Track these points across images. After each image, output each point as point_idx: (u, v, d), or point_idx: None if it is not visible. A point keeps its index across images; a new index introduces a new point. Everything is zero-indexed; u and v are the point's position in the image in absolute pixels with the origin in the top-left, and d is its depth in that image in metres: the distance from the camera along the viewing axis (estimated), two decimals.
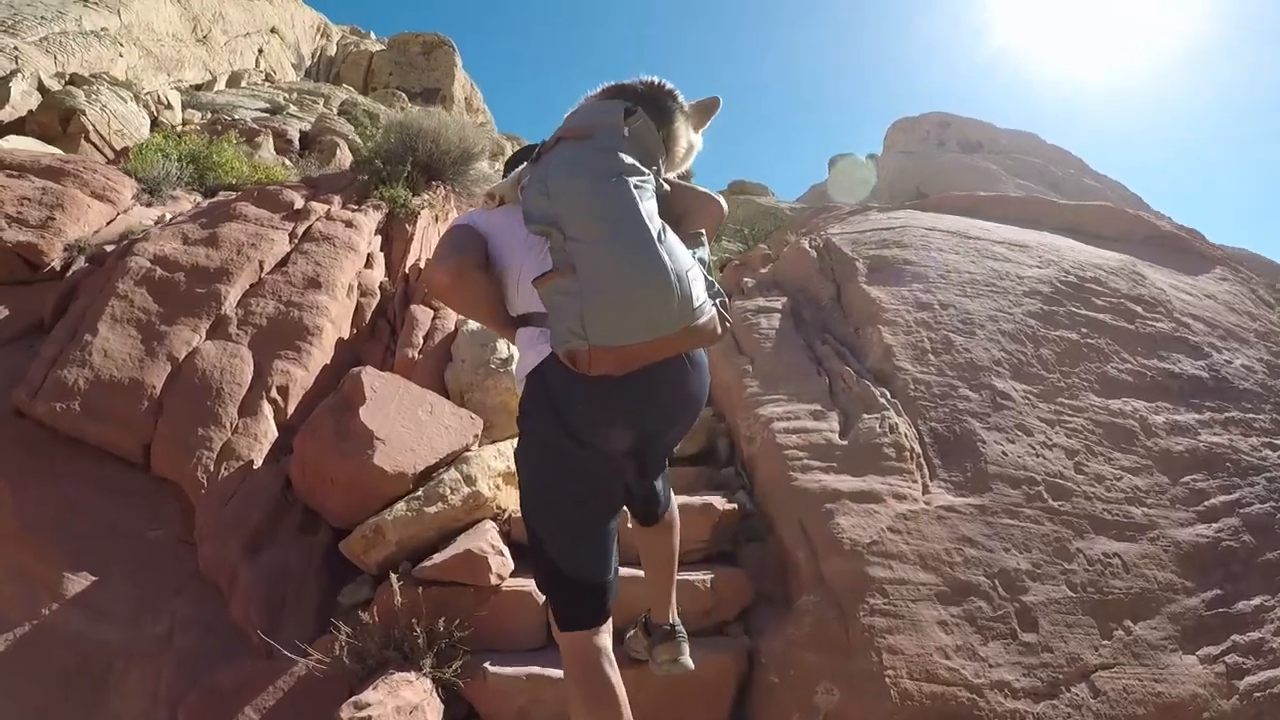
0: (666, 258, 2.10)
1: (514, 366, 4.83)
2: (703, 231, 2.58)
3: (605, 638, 2.51)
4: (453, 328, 6.03)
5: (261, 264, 6.13)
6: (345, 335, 6.06)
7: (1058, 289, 6.90)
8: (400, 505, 4.30)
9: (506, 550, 4.25)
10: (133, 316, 5.50)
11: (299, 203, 7.14)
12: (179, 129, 16.91)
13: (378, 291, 6.56)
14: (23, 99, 15.45)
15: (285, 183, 8.06)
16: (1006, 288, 6.74)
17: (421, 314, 6.16)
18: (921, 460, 4.96)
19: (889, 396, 5.36)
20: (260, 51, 33.16)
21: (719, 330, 2.30)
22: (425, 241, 7.69)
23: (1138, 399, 6.04)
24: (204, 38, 28.54)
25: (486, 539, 4.17)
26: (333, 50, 41.17)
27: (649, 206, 2.22)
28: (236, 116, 18.55)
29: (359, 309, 6.37)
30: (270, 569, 4.51)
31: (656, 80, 2.65)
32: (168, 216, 7.07)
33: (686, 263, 2.19)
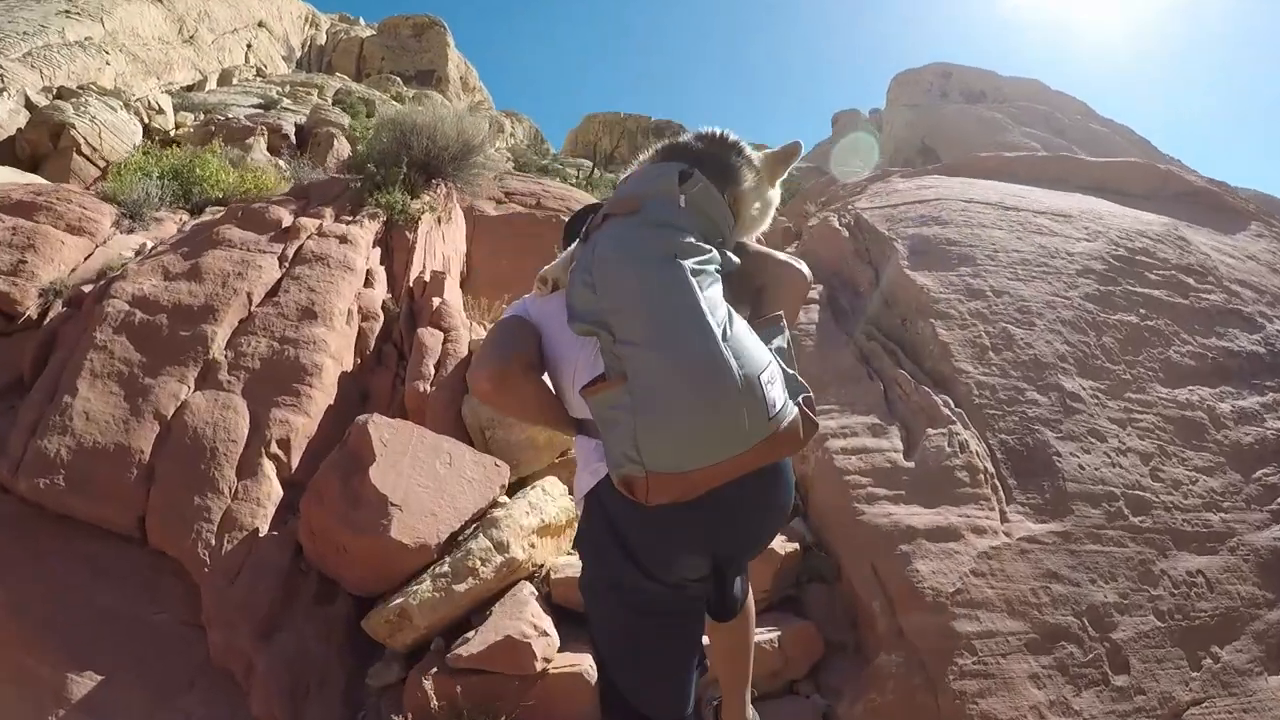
0: (734, 362, 1.69)
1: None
2: (781, 314, 2.04)
3: None
4: (466, 352, 5.37)
5: (250, 296, 5.45)
6: (349, 367, 5.40)
7: (1110, 265, 6.27)
8: (425, 583, 3.70)
9: (550, 625, 3.65)
10: (114, 370, 4.86)
11: (287, 219, 6.41)
12: (172, 133, 16.31)
13: (380, 313, 5.87)
14: (10, 117, 14.80)
15: (272, 197, 7.28)
16: (1059, 267, 6.11)
17: (430, 339, 5.49)
18: (996, 482, 4.35)
19: (952, 405, 4.76)
20: (249, 47, 32.13)
21: (802, 435, 1.81)
22: (429, 248, 7.01)
23: (1203, 386, 5.48)
24: (190, 38, 27.57)
25: (527, 616, 3.59)
26: (322, 39, 39.97)
27: (712, 294, 1.81)
28: (230, 115, 17.95)
29: (361, 335, 5.68)
30: (289, 654, 3.92)
31: (718, 133, 2.18)
32: (149, 245, 6.39)
33: (761, 361, 1.75)
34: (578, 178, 20.27)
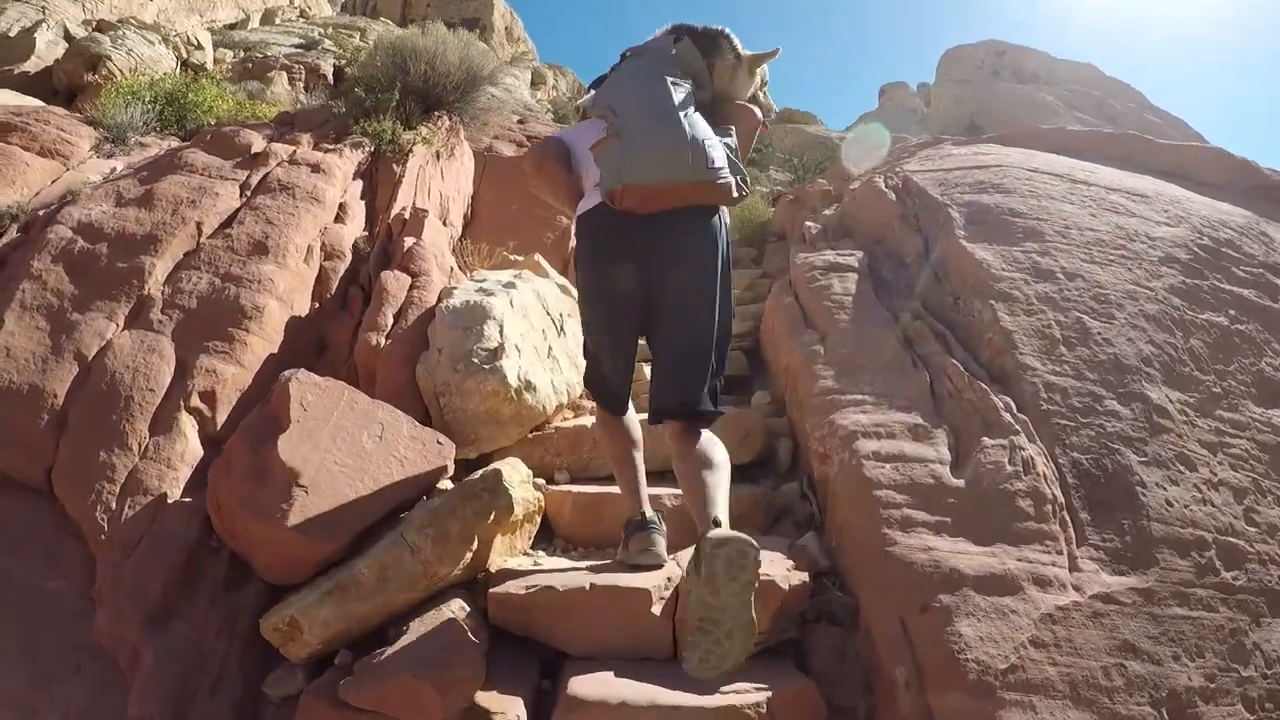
0: (686, 126, 2.55)
1: (504, 360, 3.78)
2: (732, 128, 2.79)
3: (620, 418, 3.02)
4: (434, 300, 4.24)
5: (200, 226, 4.36)
6: (303, 311, 4.37)
7: (1196, 255, 5.05)
8: (317, 592, 2.71)
9: (477, 656, 2.56)
10: (44, 302, 3.83)
11: (258, 145, 5.35)
12: (209, 69, 15.59)
13: (348, 253, 4.81)
14: (48, 48, 14.14)
15: (247, 121, 6.23)
16: (1139, 252, 4.93)
17: (394, 283, 4.34)
18: (1066, 516, 3.18)
19: (1014, 409, 3.66)
20: None
21: (733, 192, 2.61)
22: (420, 185, 5.90)
23: None
24: None
25: (443, 646, 2.55)
26: None
27: (680, 96, 2.64)
28: (269, 54, 17.05)
29: (322, 276, 4.64)
30: (181, 647, 2.92)
31: (715, 26, 2.94)
32: (119, 169, 5.53)
33: (708, 134, 2.59)
34: None
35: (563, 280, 5.77)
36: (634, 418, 3.06)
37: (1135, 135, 8.09)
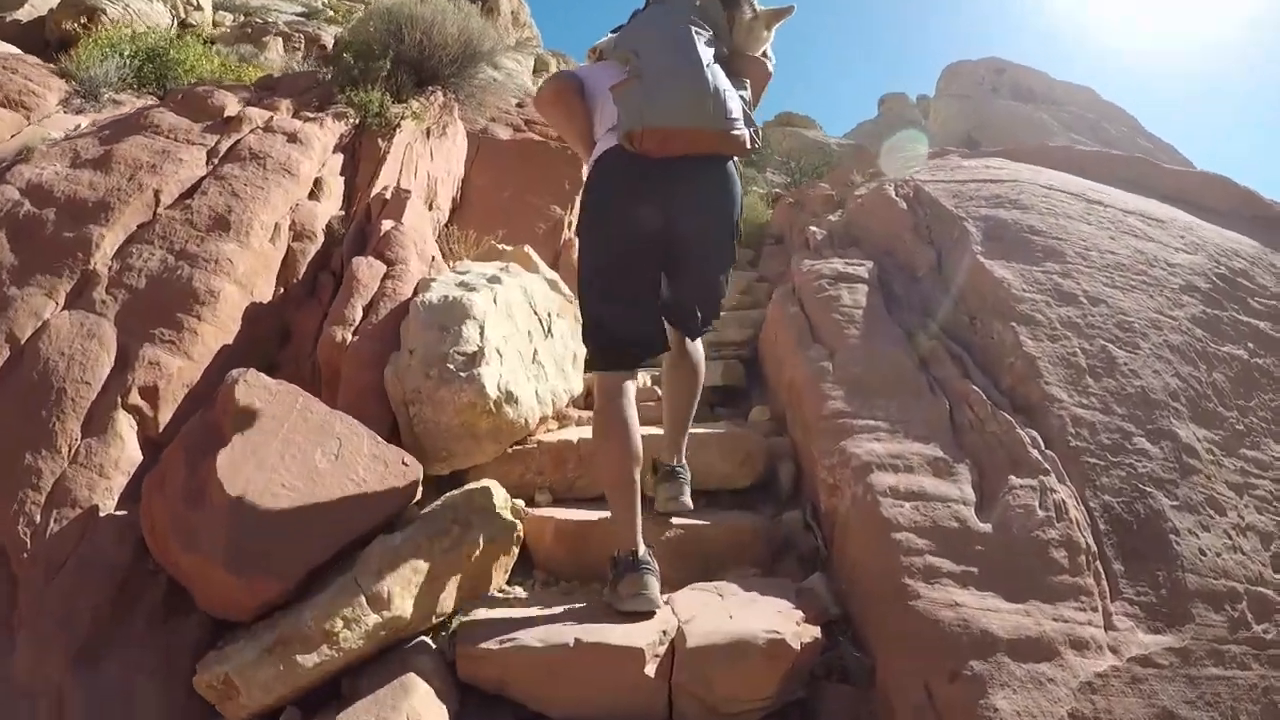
0: (709, 74, 2.52)
1: (483, 368, 3.31)
2: (747, 80, 2.83)
3: (628, 386, 2.70)
4: (410, 293, 3.82)
5: (158, 194, 3.91)
6: (266, 297, 3.92)
7: (1215, 285, 4.73)
8: (262, 638, 2.25)
9: None
10: None
11: (232, 108, 4.86)
12: (208, 31, 15.02)
13: (320, 233, 4.32)
14: None
15: (224, 82, 5.67)
16: (1159, 279, 4.60)
17: (366, 271, 3.86)
18: (1099, 566, 2.84)
19: (1041, 445, 3.29)
20: None
21: (747, 144, 2.64)
22: (407, 164, 5.41)
23: None
24: None
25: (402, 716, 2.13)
26: None
27: (704, 44, 2.61)
28: (270, 20, 16.47)
29: (290, 258, 4.16)
30: (110, 692, 2.50)
31: None
32: (83, 126, 5.05)
33: (727, 87, 2.58)
34: None
35: (552, 275, 5.36)
36: (637, 429, 2.68)
37: (1142, 158, 7.80)
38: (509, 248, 5.48)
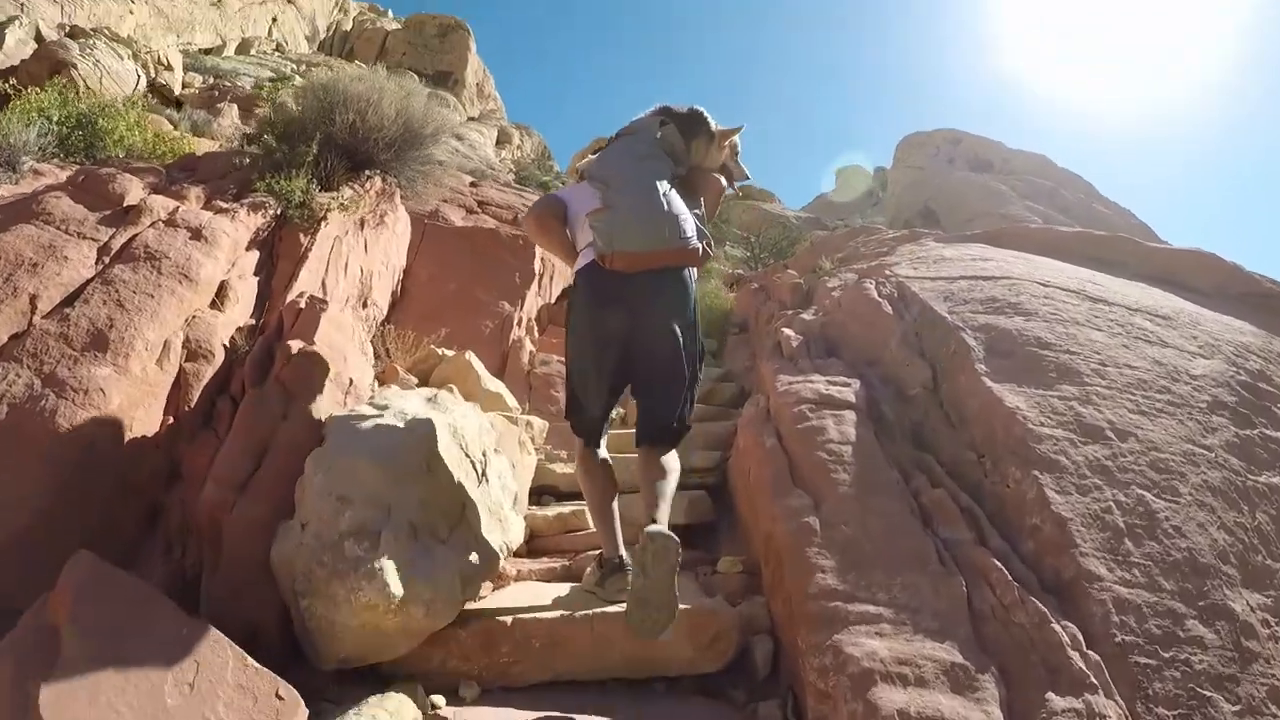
0: (665, 204, 2.95)
1: (386, 562, 2.52)
2: (701, 199, 3.28)
3: (597, 450, 3.18)
4: (315, 435, 2.99)
5: (34, 301, 3.18)
6: (152, 428, 3.18)
7: (1240, 398, 4.15)
8: None
9: None
10: None
11: (134, 195, 4.13)
12: (177, 92, 14.44)
13: (219, 351, 3.56)
14: (17, 46, 13.03)
15: (130, 164, 4.90)
16: (1185, 397, 4.00)
17: (260, 408, 3.07)
18: None
19: (1083, 645, 2.62)
20: (274, 20, 29.56)
21: (700, 255, 3.04)
22: (336, 259, 4.71)
23: None
24: (218, 1, 25.57)
25: None
26: (349, 25, 36.91)
27: (661, 176, 3.05)
28: (238, 83, 16.01)
29: (184, 381, 3.39)
30: None
31: (695, 108, 3.33)
32: None
33: (682, 211, 3.00)
34: None
35: (496, 386, 4.66)
36: (609, 462, 3.20)
37: (1126, 238, 7.37)
38: (449, 352, 4.79)
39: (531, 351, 5.71)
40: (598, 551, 3.32)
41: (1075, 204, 23.78)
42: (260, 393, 3.11)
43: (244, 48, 25.76)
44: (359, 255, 4.94)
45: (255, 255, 4.22)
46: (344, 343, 3.69)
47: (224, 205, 4.27)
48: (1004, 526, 3.17)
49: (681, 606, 2.67)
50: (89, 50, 12.79)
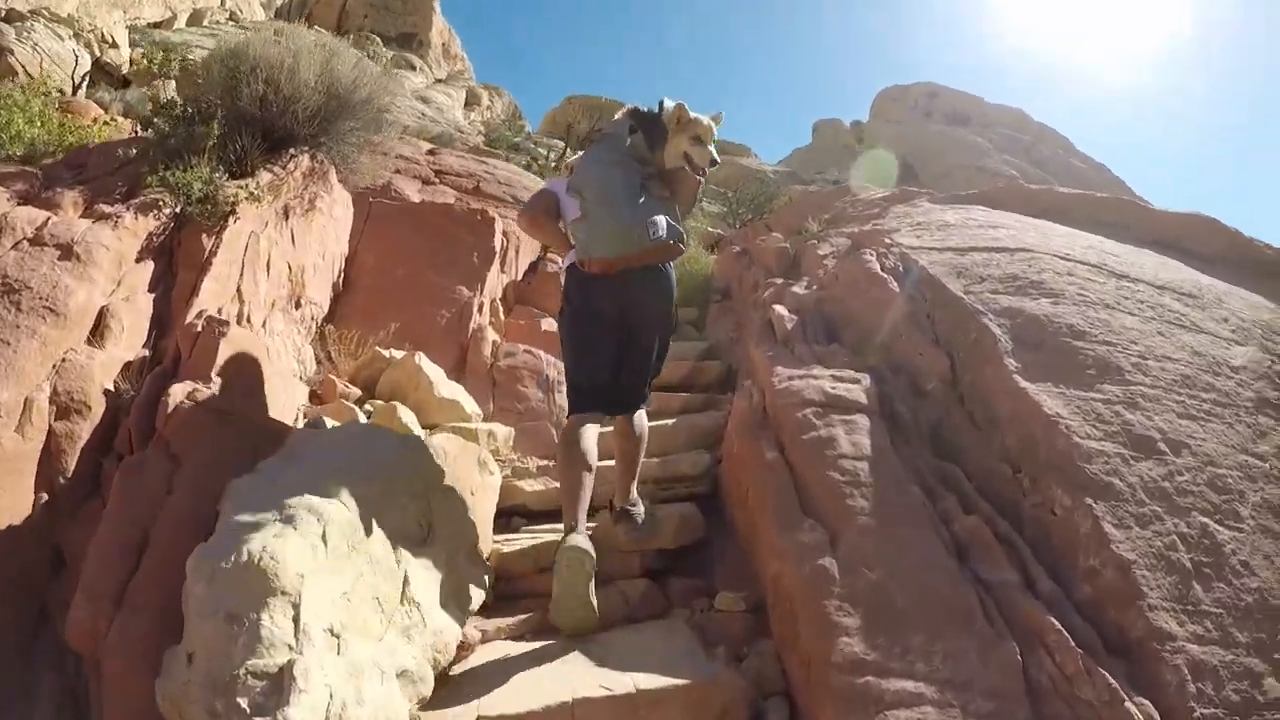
0: (633, 211, 3.16)
1: (294, 702, 1.89)
2: (672, 196, 3.39)
3: (589, 424, 3.20)
4: (212, 522, 2.32)
5: None
6: (20, 514, 2.55)
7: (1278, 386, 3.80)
8: None
9: None
10: None
11: None
12: (125, 70, 13.52)
13: (99, 401, 2.87)
14: None
15: (4, 168, 3.91)
16: (1230, 394, 3.51)
17: (133, 486, 2.43)
18: None
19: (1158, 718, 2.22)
20: None
21: (670, 250, 3.25)
22: (252, 260, 3.93)
23: None
24: None
25: None
26: None
27: (633, 183, 3.24)
28: (189, 57, 15.11)
29: (54, 446, 2.71)
30: None
31: (660, 108, 3.39)
32: None
33: (654, 212, 3.19)
34: (548, 158, 17.09)
35: (454, 392, 4.09)
36: (594, 444, 3.20)
37: (1129, 201, 6.89)
38: (398, 353, 4.20)
39: (495, 341, 5.07)
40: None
41: (1051, 158, 23.35)
42: (138, 460, 2.49)
43: (196, 19, 24.44)
44: (284, 250, 4.23)
45: (149, 268, 3.53)
46: (251, 372, 3.08)
47: (107, 210, 3.53)
48: (1052, 563, 2.70)
49: (678, 682, 2.46)
50: (26, 34, 11.89)
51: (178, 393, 2.61)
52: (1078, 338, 3.52)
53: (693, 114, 3.36)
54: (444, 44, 37.16)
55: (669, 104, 3.38)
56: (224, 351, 2.89)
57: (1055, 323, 3.61)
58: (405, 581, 2.38)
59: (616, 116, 3.59)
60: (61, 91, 10.58)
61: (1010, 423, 3.17)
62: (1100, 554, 2.57)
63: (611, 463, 3.56)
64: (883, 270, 4.47)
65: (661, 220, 3.20)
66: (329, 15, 33.27)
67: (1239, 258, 5.90)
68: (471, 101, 31.61)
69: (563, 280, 3.52)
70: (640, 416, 3.41)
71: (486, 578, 3.10)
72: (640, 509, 3.51)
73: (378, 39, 30.36)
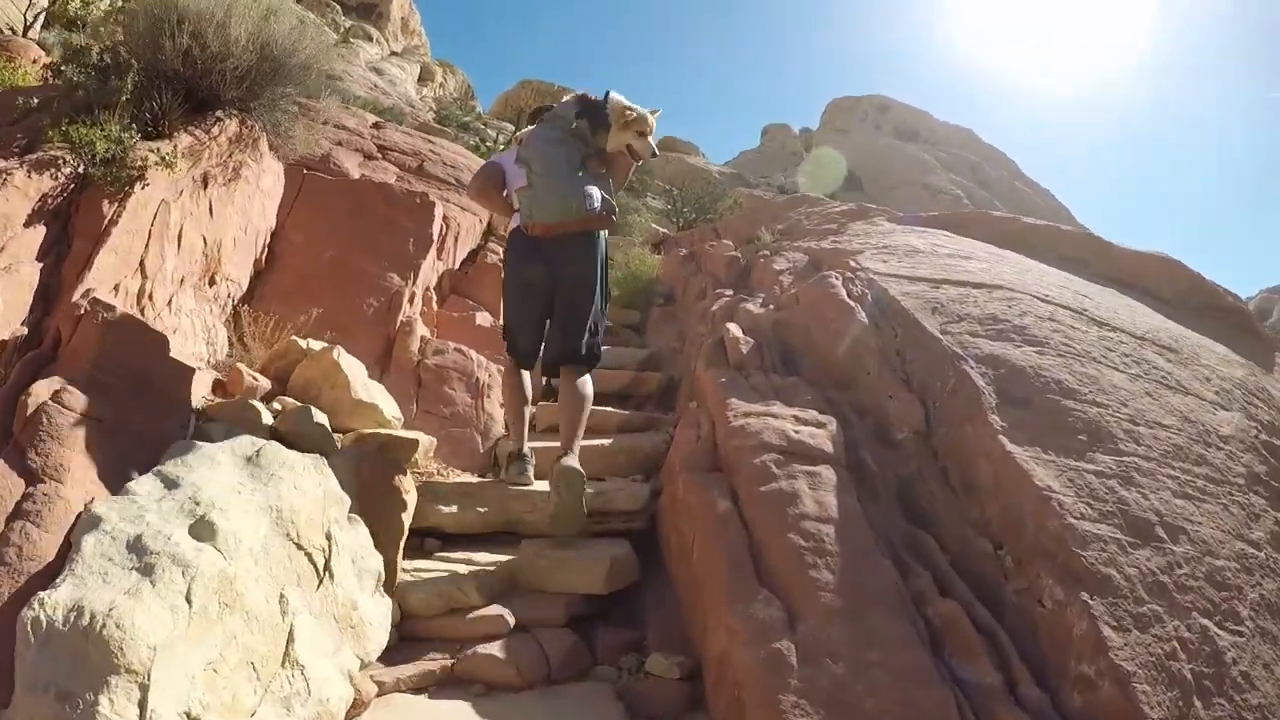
0: (572, 183, 3.50)
1: None
2: (607, 173, 3.70)
3: (523, 369, 3.78)
4: (53, 554, 1.84)
5: None
6: None
7: (1269, 465, 3.44)
8: None
9: None
10: None
11: None
12: (79, 14, 12.26)
13: None
14: None
15: None
16: (1221, 470, 3.21)
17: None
18: None
19: None
20: None
21: (602, 219, 3.59)
22: (161, 233, 3.33)
23: None
24: None
25: None
26: None
27: (574, 160, 3.56)
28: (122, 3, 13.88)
29: None
30: None
31: (604, 98, 3.67)
32: None
33: (589, 185, 3.53)
34: (496, 140, 16.42)
35: (374, 394, 3.57)
36: (529, 380, 3.83)
37: (1093, 236, 6.72)
38: (316, 344, 3.65)
39: (424, 337, 4.53)
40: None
41: (997, 180, 23.62)
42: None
43: None
44: (200, 221, 3.61)
45: (39, 233, 2.92)
46: (145, 363, 2.53)
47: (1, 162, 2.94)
48: (1039, 664, 2.35)
49: None
50: None
51: (40, 391, 2.07)
52: (1067, 396, 3.19)
53: (636, 111, 3.64)
54: (403, 18, 36.01)
55: (615, 97, 3.67)
56: (108, 340, 2.33)
57: (1042, 377, 3.27)
58: (290, 638, 1.90)
59: (564, 99, 3.84)
60: (13, 30, 9.52)
61: (993, 491, 2.81)
62: (1096, 661, 2.21)
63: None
64: (849, 298, 4.09)
65: (596, 193, 3.55)
66: None
67: (1199, 303, 5.75)
68: (425, 77, 30.59)
69: (506, 241, 3.88)
70: (584, 381, 3.65)
71: (390, 617, 2.61)
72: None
73: (337, 6, 29.12)
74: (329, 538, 2.25)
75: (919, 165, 22.49)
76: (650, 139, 3.70)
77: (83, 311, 2.45)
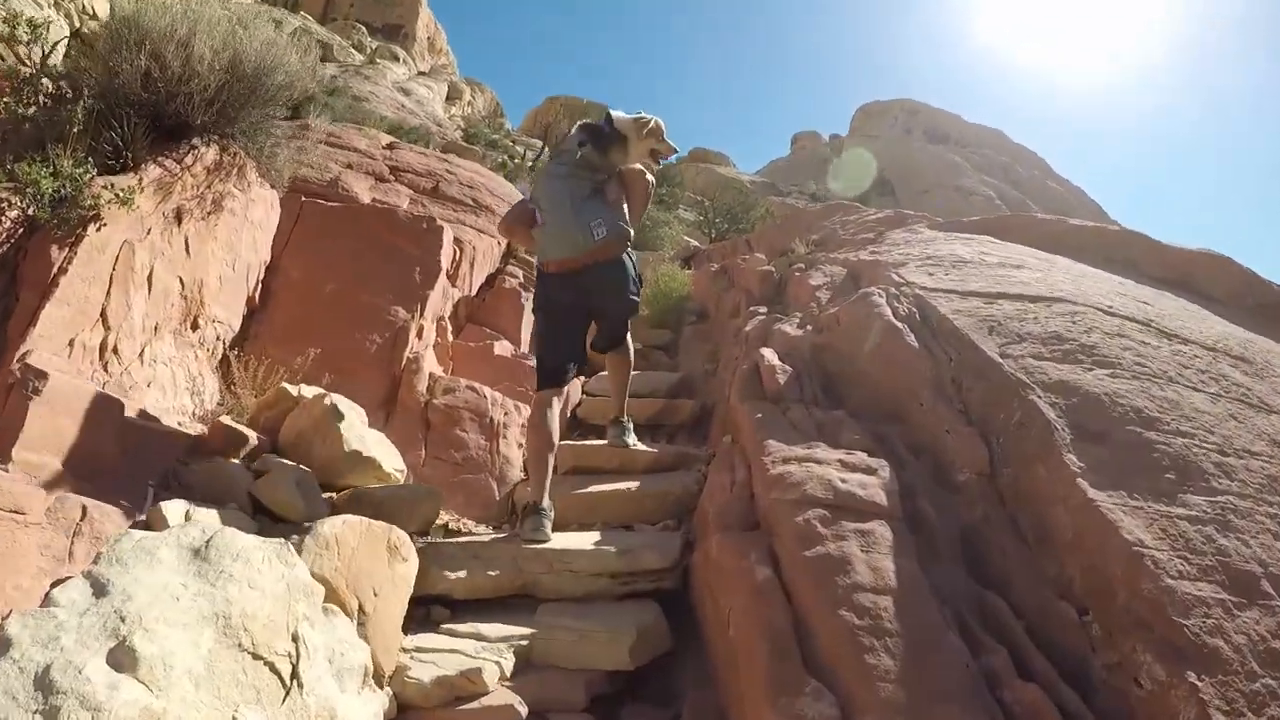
0: (577, 218, 3.55)
1: None
2: (624, 200, 3.78)
3: (554, 400, 3.62)
4: None
5: None
6: None
7: None
8: None
9: None
10: None
11: None
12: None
13: None
14: None
15: None
16: None
17: None
18: None
19: None
20: None
21: (611, 247, 3.59)
22: (125, 277, 3.06)
23: None
24: None
25: None
26: None
27: (580, 189, 3.61)
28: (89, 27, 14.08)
29: None
30: None
31: (605, 120, 3.71)
32: None
33: (595, 215, 3.57)
34: (524, 157, 16.22)
35: (371, 445, 3.31)
36: (557, 423, 3.61)
37: (1139, 235, 6.25)
38: (308, 391, 3.40)
39: (433, 374, 4.26)
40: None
41: (1028, 180, 23.00)
42: None
43: None
44: (174, 261, 3.35)
45: None
46: (92, 436, 2.27)
47: None
48: None
49: None
50: (3, 1, 10.93)
51: None
52: (1148, 426, 2.82)
53: (649, 118, 3.75)
54: (429, 38, 36.34)
55: (619, 114, 3.74)
56: (39, 415, 2.08)
57: (1119, 404, 2.90)
58: None
59: (570, 132, 3.86)
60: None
61: (1073, 546, 2.46)
62: None
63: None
64: (896, 319, 3.74)
65: (602, 223, 3.59)
66: (315, 3, 32.28)
67: (1255, 301, 5.30)
68: (453, 96, 30.73)
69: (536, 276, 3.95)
70: (626, 342, 3.99)
71: (384, 713, 2.32)
72: (630, 425, 4.21)
73: (363, 28, 29.37)
74: (296, 639, 1.97)
75: (951, 168, 21.98)
76: (668, 140, 3.88)
77: (13, 381, 2.18)
